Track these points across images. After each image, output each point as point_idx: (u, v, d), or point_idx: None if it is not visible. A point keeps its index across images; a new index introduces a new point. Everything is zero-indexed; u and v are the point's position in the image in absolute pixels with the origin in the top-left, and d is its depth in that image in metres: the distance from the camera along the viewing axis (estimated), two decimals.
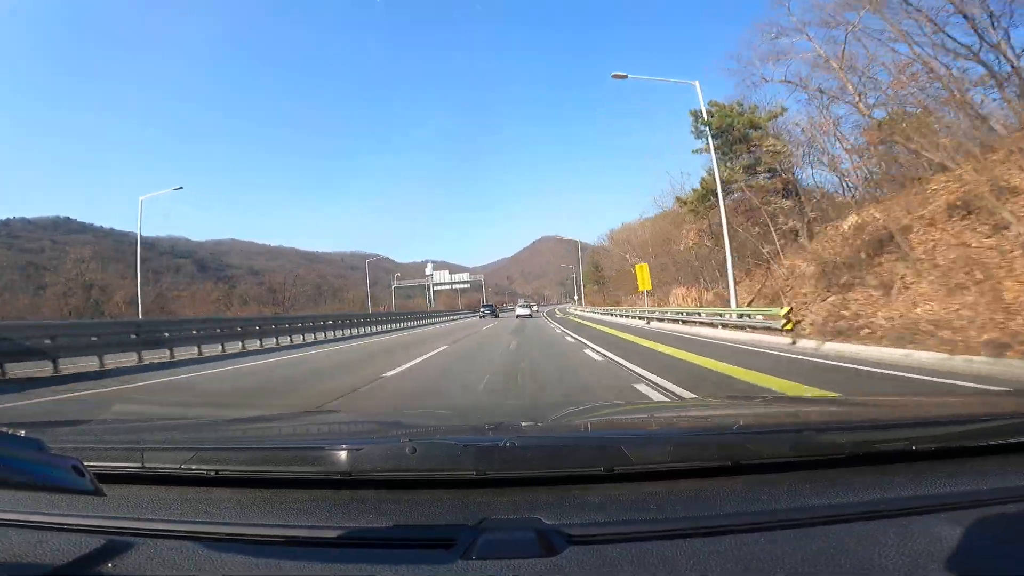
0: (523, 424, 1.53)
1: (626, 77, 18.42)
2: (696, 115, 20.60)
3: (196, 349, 12.09)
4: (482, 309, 55.44)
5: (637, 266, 28.57)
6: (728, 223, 16.84)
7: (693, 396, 5.23)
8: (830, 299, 12.30)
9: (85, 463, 0.70)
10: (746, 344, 10.86)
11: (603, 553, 0.80)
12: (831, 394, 4.88)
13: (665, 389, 5.59)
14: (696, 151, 22.17)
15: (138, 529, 0.92)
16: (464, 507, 0.93)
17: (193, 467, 1.05)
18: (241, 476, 1.06)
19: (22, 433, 0.73)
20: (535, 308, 49.80)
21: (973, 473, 0.99)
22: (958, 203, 10.94)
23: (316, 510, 0.95)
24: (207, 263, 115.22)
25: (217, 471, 1.04)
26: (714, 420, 1.70)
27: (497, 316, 48.15)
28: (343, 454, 1.01)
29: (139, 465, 1.07)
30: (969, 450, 1.04)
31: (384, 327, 26.18)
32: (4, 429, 0.68)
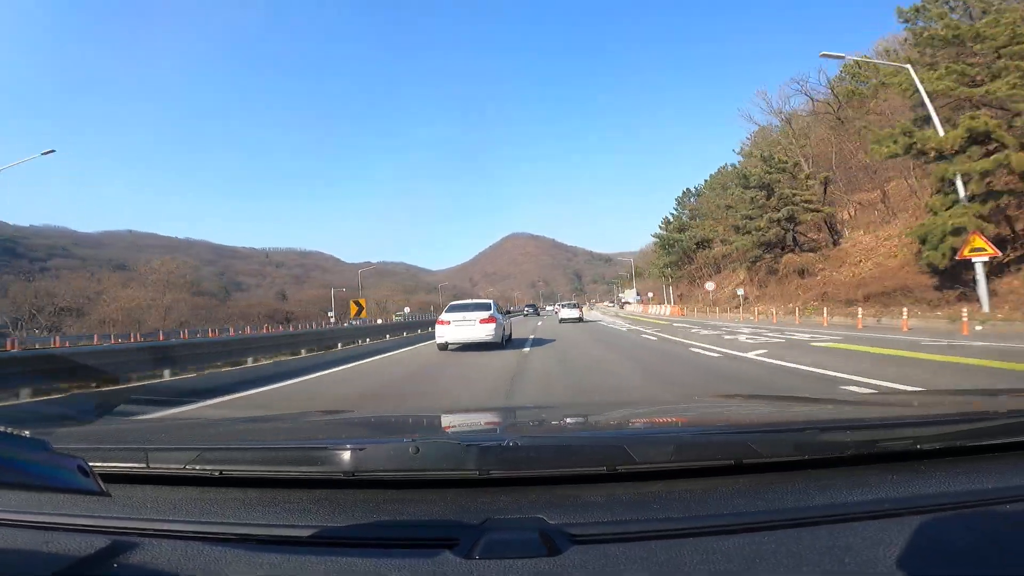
0: (526, 423, 1.53)
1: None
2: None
3: None
4: (526, 309, 60.60)
5: None
6: None
7: (696, 396, 5.20)
8: None
9: (90, 463, 0.70)
10: None
11: (606, 553, 0.80)
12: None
13: None
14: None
15: (143, 529, 0.92)
16: (467, 507, 0.94)
17: (197, 467, 1.05)
18: (245, 476, 1.06)
19: (27, 433, 0.73)
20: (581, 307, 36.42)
21: (979, 472, 0.98)
22: None
23: (320, 510, 0.95)
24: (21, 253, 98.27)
25: (221, 471, 1.05)
26: (718, 419, 1.69)
27: (538, 314, 51.70)
28: (347, 454, 1.01)
29: (144, 465, 1.07)
30: (974, 449, 1.04)
31: None
32: (9, 430, 0.68)
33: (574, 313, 30.41)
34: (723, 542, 0.81)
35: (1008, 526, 0.85)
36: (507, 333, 14.43)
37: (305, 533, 0.89)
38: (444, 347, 13.18)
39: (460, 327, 12.75)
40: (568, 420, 1.67)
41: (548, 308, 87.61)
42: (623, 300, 74.39)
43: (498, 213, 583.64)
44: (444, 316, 13.30)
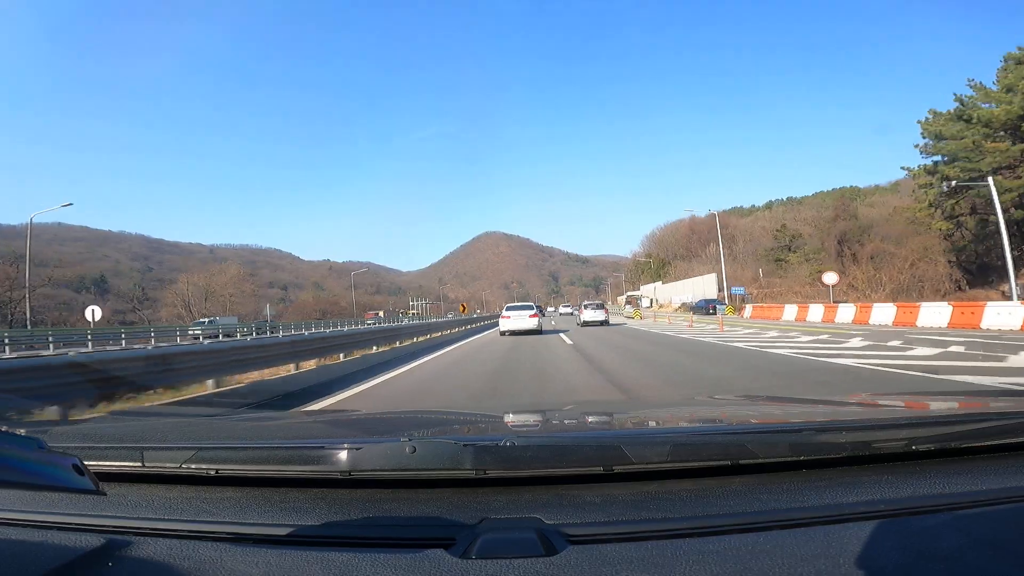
0: (523, 423, 1.53)
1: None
2: None
3: None
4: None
5: None
6: None
7: (695, 396, 5.24)
8: None
9: (85, 462, 0.70)
10: None
11: (602, 553, 0.80)
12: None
13: None
14: None
15: (138, 528, 0.92)
16: (464, 506, 0.94)
17: (193, 466, 1.04)
18: (241, 475, 1.05)
19: (22, 431, 0.72)
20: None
21: (972, 473, 0.99)
22: None
23: (316, 509, 0.95)
24: None
25: (217, 470, 1.04)
26: (714, 420, 1.70)
27: (544, 315, 49.31)
28: (343, 453, 1.01)
29: (139, 464, 1.07)
30: (968, 450, 1.05)
31: None
32: (3, 428, 0.67)
33: (599, 315, 26.79)
34: (719, 542, 0.81)
35: (1003, 527, 0.86)
36: (541, 325, 21.95)
37: (301, 532, 0.88)
38: (504, 333, 20.65)
39: (516, 320, 20.93)
40: (565, 420, 1.68)
41: (551, 309, 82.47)
42: (708, 302, 44.69)
43: (471, 212, 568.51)
44: (505, 313, 22.01)
